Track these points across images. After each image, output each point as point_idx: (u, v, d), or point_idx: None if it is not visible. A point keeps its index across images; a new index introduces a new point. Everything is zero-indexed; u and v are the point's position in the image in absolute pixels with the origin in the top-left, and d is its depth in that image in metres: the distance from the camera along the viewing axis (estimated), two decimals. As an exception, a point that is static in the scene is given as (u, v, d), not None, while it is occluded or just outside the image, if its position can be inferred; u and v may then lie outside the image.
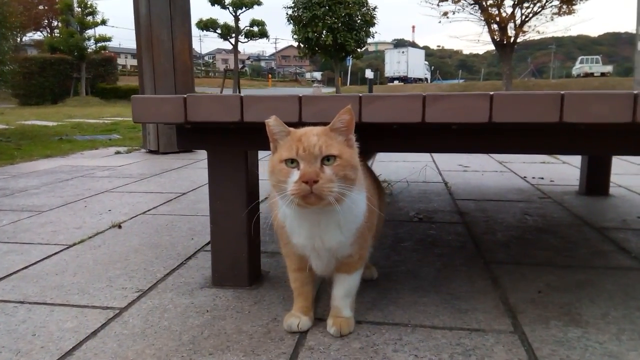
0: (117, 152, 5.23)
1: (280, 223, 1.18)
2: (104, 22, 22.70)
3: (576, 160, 4.11)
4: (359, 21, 24.66)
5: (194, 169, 3.99)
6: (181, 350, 1.17)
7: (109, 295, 1.51)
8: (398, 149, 1.41)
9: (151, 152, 5.03)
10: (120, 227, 2.27)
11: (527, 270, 1.66)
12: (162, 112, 1.34)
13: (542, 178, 3.42)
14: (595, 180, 2.89)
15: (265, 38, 26.66)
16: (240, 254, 1.53)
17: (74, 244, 2.02)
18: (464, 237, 2.05)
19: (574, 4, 22.76)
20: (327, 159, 1.02)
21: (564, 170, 3.77)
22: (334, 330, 1.23)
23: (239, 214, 1.50)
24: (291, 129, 1.09)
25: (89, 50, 21.67)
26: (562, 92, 1.18)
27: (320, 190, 0.99)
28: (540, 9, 23.32)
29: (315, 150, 1.01)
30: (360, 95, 1.26)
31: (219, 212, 1.51)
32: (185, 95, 1.32)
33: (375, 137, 1.40)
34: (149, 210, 2.58)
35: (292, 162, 1.03)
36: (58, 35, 24.11)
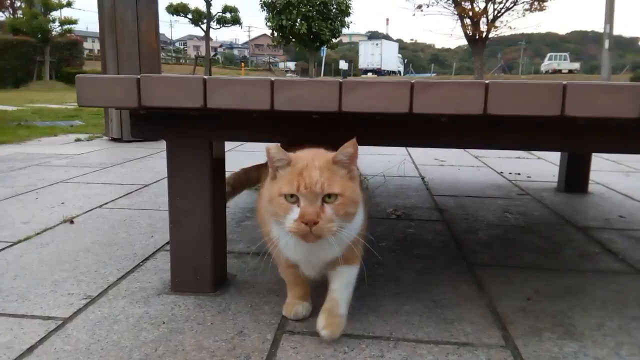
0: (78, 140, 4.94)
1: (274, 241, 1.10)
2: (69, 4, 21.83)
3: (551, 155, 4.07)
4: (334, 10, 24.39)
5: (159, 159, 3.77)
6: (130, 372, 1.01)
7: (52, 302, 1.33)
8: (382, 141, 1.28)
9: (114, 140, 4.76)
10: (72, 222, 2.07)
11: (513, 274, 1.55)
12: (111, 95, 1.16)
13: (519, 174, 3.36)
14: (575, 177, 2.83)
15: (238, 25, 26.14)
16: (204, 257, 1.36)
17: (19, 241, 1.81)
18: (444, 237, 1.94)
19: (545, 1, 23.12)
20: (328, 196, 0.99)
21: (539, 166, 3.72)
22: (326, 333, 1.12)
23: (203, 212, 1.34)
24: (291, 155, 1.03)
25: (53, 32, 20.81)
26: (564, 82, 1.06)
27: (320, 231, 0.97)
28: (512, 5, 23.62)
29: (317, 188, 0.97)
30: (341, 80, 1.11)
31: (180, 210, 1.34)
32: (138, 76, 1.15)
33: (355, 129, 1.26)
34: (106, 204, 2.38)
35: (292, 196, 0.99)
36: (21, 16, 23.01)
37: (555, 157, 3.57)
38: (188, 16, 25.42)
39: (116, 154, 4.03)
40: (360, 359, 1.07)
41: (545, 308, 1.32)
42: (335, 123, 1.26)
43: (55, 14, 21.36)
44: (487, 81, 1.08)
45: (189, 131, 1.29)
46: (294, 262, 1.16)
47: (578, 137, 1.20)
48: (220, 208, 1.42)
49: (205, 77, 1.13)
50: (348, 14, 25.05)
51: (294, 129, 1.28)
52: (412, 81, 1.10)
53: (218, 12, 25.92)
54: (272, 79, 1.13)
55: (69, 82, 19.60)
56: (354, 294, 1.40)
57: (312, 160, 1.01)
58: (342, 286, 1.17)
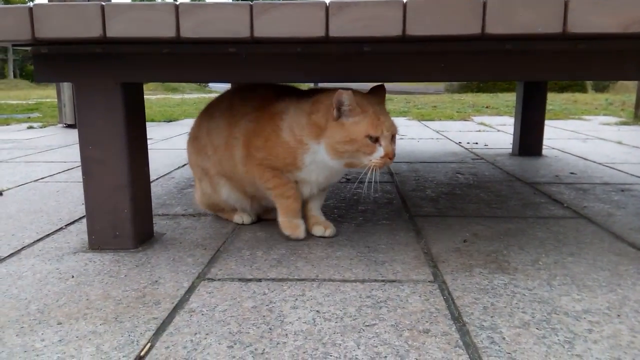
0: (30, 127, 4.74)
1: (301, 164, 1.28)
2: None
3: (511, 128, 4.08)
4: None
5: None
6: (22, 321, 0.92)
7: (-45, 264, 1.22)
8: (302, 77, 1.20)
9: (68, 126, 4.58)
10: (1, 194, 1.94)
11: (454, 222, 1.51)
12: (2, 27, 1.06)
13: (477, 143, 3.34)
14: (528, 141, 2.82)
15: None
16: (122, 210, 1.27)
17: (-64, 214, 1.69)
18: (391, 195, 1.89)
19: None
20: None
21: (498, 137, 3.72)
22: (330, 231, 1.37)
23: (118, 162, 1.25)
24: (359, 101, 1.18)
25: (13, 29, 20.10)
26: (485, -2, 1.00)
27: (391, 163, 1.20)
28: None
29: (392, 130, 1.20)
30: (252, 2, 1.03)
31: (92, 160, 1.25)
32: (31, 5, 1.05)
33: (271, 64, 1.18)
34: (42, 178, 2.25)
35: (373, 138, 1.17)
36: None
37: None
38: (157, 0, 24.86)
39: (66, 137, 3.86)
40: (279, 299, 1.00)
41: (480, 248, 1.27)
42: (254, 58, 1.18)
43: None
44: (404, 0, 1.02)
45: (96, 72, 1.19)
46: (308, 181, 1.32)
47: (506, 63, 1.15)
48: (141, 157, 1.32)
49: (103, 3, 1.04)
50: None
51: (208, 66, 1.19)
52: (328, 2, 1.03)
53: None
54: (177, 2, 1.04)
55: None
56: (285, 243, 1.34)
57: (375, 105, 1.21)
58: (318, 205, 1.43)
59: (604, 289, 1.04)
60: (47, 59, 1.19)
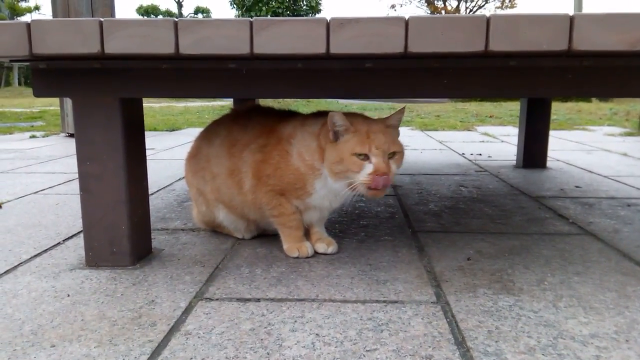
0: (33, 136, 4.74)
1: (311, 190, 1.28)
2: (37, 8, 21.33)
3: (515, 139, 4.06)
4: (304, 7, 24.21)
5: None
6: (15, 344, 0.90)
7: (-50, 281, 1.20)
8: (301, 93, 1.18)
9: (71, 135, 4.58)
10: (0, 207, 1.93)
11: (457, 238, 1.48)
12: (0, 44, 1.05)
13: (480, 154, 3.32)
14: (533, 153, 2.79)
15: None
16: (119, 227, 1.25)
17: None
18: (393, 208, 1.86)
19: (514, -1, 23.49)
20: (392, 154, 1.18)
21: (502, 148, 3.69)
22: (332, 248, 1.35)
23: (116, 177, 1.23)
24: (352, 121, 1.19)
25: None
26: (488, 15, 0.99)
27: (388, 182, 1.15)
28: (484, 3, 23.93)
29: (385, 147, 1.16)
30: (252, 19, 1.02)
31: (90, 175, 1.23)
32: (29, 21, 1.04)
33: (272, 79, 1.17)
34: (42, 190, 2.24)
35: (362, 155, 1.16)
36: (-16, 20, 22.36)
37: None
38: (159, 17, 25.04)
39: (68, 147, 3.86)
40: (277, 321, 0.97)
41: (485, 267, 1.25)
42: (254, 73, 1.16)
43: (22, 19, 20.84)
44: (407, 16, 1.00)
45: (94, 87, 1.18)
46: (313, 206, 1.32)
47: (510, 80, 1.13)
48: (140, 172, 1.31)
49: (102, 18, 1.03)
50: (318, 11, 24.91)
51: (209, 82, 1.18)
52: (328, 18, 1.01)
53: (190, 14, 25.64)
54: (176, 19, 1.03)
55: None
56: (285, 261, 1.32)
57: (370, 126, 1.20)
58: (323, 222, 1.42)
59: (611, 311, 1.01)
60: (46, 74, 1.18)
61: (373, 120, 1.25)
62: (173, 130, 5.38)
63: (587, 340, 0.90)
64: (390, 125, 1.23)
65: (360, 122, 1.21)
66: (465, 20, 0.99)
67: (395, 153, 1.19)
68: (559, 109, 7.44)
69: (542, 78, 1.12)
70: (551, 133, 3.54)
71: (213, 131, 1.46)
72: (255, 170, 1.32)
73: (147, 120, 5.74)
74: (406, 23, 1.00)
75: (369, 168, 1.15)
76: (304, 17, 1.01)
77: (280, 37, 1.02)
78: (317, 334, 0.92)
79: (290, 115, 1.40)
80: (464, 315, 0.99)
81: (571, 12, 0.98)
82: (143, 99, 1.32)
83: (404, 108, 1.25)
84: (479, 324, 0.95)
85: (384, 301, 1.05)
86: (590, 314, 1.00)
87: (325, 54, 1.02)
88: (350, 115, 1.22)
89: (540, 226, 1.62)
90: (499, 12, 24.14)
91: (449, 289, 1.11)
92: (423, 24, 1.00)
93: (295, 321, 0.97)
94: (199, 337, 0.92)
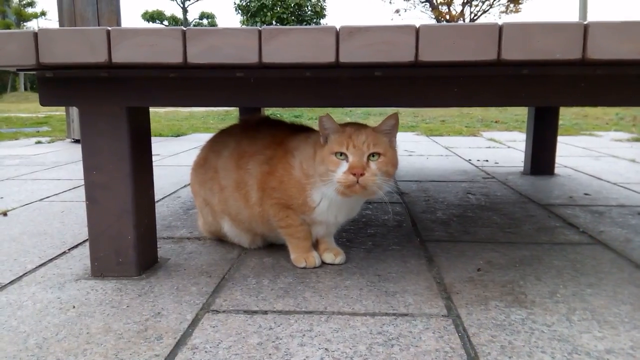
0: (38, 142, 4.75)
1: (312, 203, 1.26)
2: (43, 14, 21.48)
3: (521, 144, 4.03)
4: (308, 12, 24.20)
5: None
6: (20, 357, 0.89)
7: (-45, 291, 1.19)
8: (310, 102, 1.17)
9: (76, 141, 4.59)
10: (5, 214, 1.92)
11: (467, 248, 1.46)
12: (6, 52, 1.04)
13: (487, 160, 3.30)
14: (540, 159, 2.77)
15: (215, 32, 25.86)
16: (125, 237, 1.24)
17: (-60, 235, 1.67)
18: (401, 217, 1.84)
19: (520, 3, 23.45)
20: (372, 155, 1.15)
21: (508, 154, 3.67)
22: (340, 259, 1.33)
23: (122, 187, 1.22)
24: (340, 124, 1.21)
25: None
26: (500, 23, 0.97)
27: (365, 182, 1.12)
28: (488, 8, 23.91)
29: (364, 147, 1.14)
30: (260, 28, 1.01)
31: (96, 185, 1.22)
32: (36, 30, 1.03)
33: (280, 88, 1.16)
34: (47, 197, 2.23)
35: (341, 155, 1.15)
36: (-9, 26, 22.56)
37: (525, 145, 3.52)
38: (164, 23, 25.19)
39: (74, 153, 3.86)
40: (285, 335, 0.96)
41: (495, 278, 1.23)
42: (262, 82, 1.15)
43: (29, 24, 21.01)
44: (417, 24, 0.99)
45: (101, 96, 1.17)
46: (319, 221, 1.30)
47: (521, 89, 1.12)
48: (146, 181, 1.30)
49: (110, 27, 1.02)
50: (323, 16, 24.91)
51: (216, 91, 1.17)
52: (338, 27, 1.00)
53: (195, 19, 25.75)
54: (184, 28, 1.02)
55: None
56: (293, 271, 1.31)
57: (358, 129, 1.19)
58: (331, 232, 1.39)
59: (626, 325, 0.99)
60: (52, 83, 1.17)
61: (363, 125, 1.24)
62: (178, 135, 5.38)
63: (603, 356, 0.88)
64: (379, 130, 1.20)
65: (349, 126, 1.21)
66: (477, 28, 0.98)
67: (379, 155, 1.15)
68: (565, 114, 7.41)
69: (554, 87, 1.10)
70: (558, 139, 3.51)
71: (221, 142, 1.44)
72: (260, 182, 1.30)
73: (153, 126, 5.75)
74: (417, 31, 0.98)
75: (344, 166, 1.14)
76: (313, 26, 1.00)
77: (289, 46, 1.01)
78: (326, 349, 0.90)
79: (300, 129, 1.39)
80: (476, 329, 0.97)
81: (577, 19, 0.97)
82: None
83: (395, 114, 1.19)
84: (492, 339, 0.93)
85: (394, 314, 1.03)
86: (605, 328, 0.98)
87: (335, 62, 1.01)
88: (346, 124, 1.22)
89: (550, 235, 1.59)
90: (504, 17, 24.11)
91: (459, 301, 1.09)
92: (434, 33, 0.98)
93: (304, 335, 0.95)
94: (205, 352, 0.90)
